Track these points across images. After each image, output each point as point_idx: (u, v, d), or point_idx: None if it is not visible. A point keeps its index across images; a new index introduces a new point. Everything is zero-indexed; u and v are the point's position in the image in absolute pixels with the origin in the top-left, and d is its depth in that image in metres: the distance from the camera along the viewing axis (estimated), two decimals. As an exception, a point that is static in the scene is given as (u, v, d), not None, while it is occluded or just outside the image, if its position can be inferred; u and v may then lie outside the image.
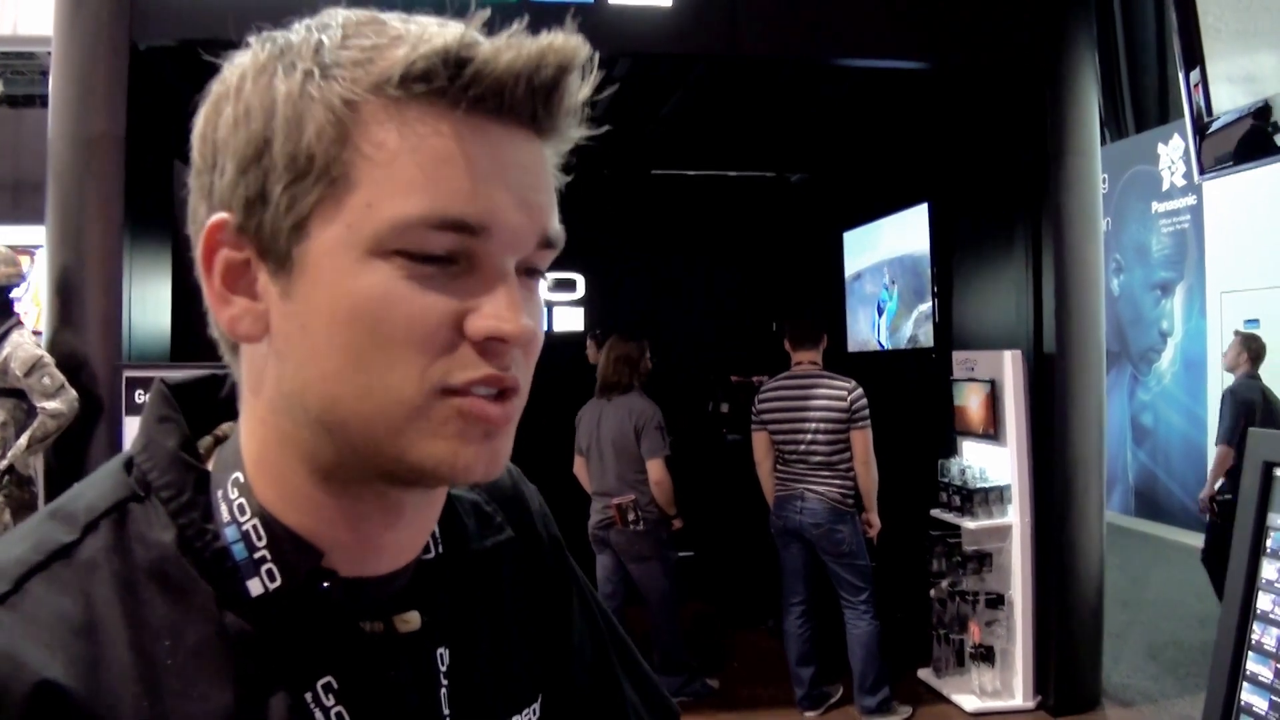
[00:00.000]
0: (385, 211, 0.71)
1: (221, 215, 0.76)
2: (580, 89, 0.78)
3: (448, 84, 0.72)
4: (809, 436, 5.97)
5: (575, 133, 0.81)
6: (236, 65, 0.77)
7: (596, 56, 0.77)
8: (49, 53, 5.58)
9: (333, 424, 0.75)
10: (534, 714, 0.96)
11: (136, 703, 0.70)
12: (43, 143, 5.42)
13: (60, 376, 4.96)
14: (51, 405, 4.90)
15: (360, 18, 0.75)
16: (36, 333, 5.28)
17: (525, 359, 0.79)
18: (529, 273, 0.79)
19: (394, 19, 0.75)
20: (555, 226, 0.80)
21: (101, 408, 5.15)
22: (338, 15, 0.75)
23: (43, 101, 6.62)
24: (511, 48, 0.72)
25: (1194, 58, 4.16)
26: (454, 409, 0.73)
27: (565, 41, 0.74)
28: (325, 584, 0.78)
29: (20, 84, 10.11)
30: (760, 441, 6.19)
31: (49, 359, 4.98)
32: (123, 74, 5.24)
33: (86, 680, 0.69)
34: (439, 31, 0.73)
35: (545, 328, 7.74)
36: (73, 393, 4.97)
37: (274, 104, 0.73)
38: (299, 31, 0.76)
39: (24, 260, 5.48)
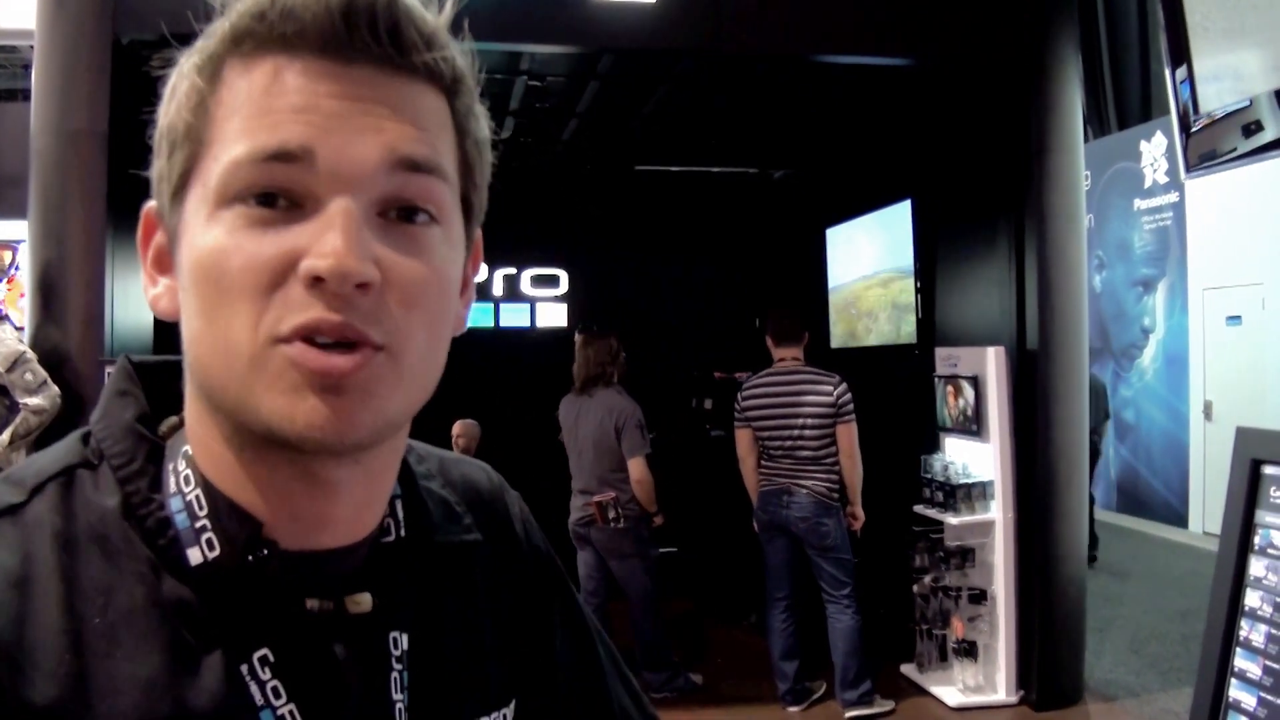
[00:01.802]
0: (222, 159, 0.72)
1: (151, 202, 0.81)
2: (425, 14, 0.76)
3: (257, 24, 0.72)
4: (796, 432, 6.01)
5: (443, 54, 0.77)
6: None
7: None
8: (31, 46, 5.54)
9: (205, 387, 0.76)
10: (505, 718, 0.95)
11: (59, 656, 0.71)
12: (25, 137, 5.38)
13: (43, 372, 4.93)
14: (34, 401, 4.88)
15: None
16: (19, 328, 5.25)
17: (399, 312, 0.74)
18: (405, 214, 0.76)
19: None
20: (415, 148, 0.75)
21: (84, 403, 5.12)
22: None
23: (25, 95, 6.56)
24: None
25: (1180, 55, 4.16)
26: (285, 359, 0.71)
27: None
28: (264, 552, 0.78)
29: (2, 78, 10.03)
30: (744, 438, 6.21)
31: (31, 354, 4.95)
32: (106, 68, 5.23)
33: (13, 629, 0.71)
34: None
35: (531, 323, 7.63)
36: (55, 389, 4.95)
37: (168, 87, 0.78)
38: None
39: (4, 255, 5.44)
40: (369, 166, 0.73)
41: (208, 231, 0.72)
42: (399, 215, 0.75)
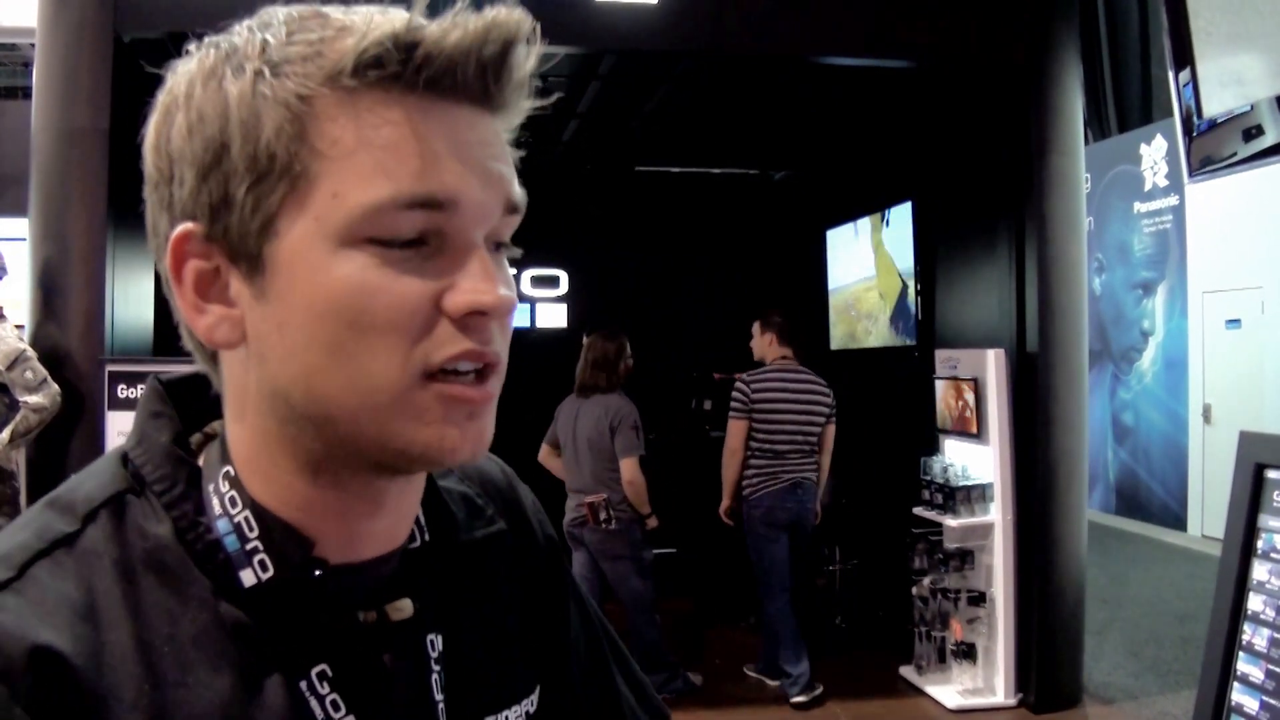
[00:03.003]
0: (352, 199, 0.72)
1: (187, 225, 0.76)
2: (526, 62, 0.79)
3: (400, 69, 0.72)
4: (805, 427, 6.26)
5: (525, 104, 0.81)
6: (181, 73, 0.77)
7: (538, 28, 0.78)
8: (32, 44, 5.55)
9: (319, 418, 0.75)
10: (531, 706, 0.97)
11: (138, 685, 0.71)
12: (26, 135, 5.39)
13: (43, 370, 4.94)
14: (34, 399, 4.88)
15: (301, 12, 0.75)
16: (19, 326, 5.25)
17: (502, 332, 0.79)
18: (495, 245, 0.80)
19: (335, 11, 0.75)
20: (517, 191, 0.80)
21: (84, 402, 5.13)
22: (278, 13, 0.76)
23: (25, 93, 6.58)
24: (457, 27, 0.73)
25: (1184, 59, 4.17)
26: (437, 393, 0.75)
27: (509, 16, 0.75)
28: (318, 572, 0.79)
29: (3, 75, 10.05)
30: (743, 430, 6.28)
31: (31, 353, 4.95)
32: (107, 66, 5.22)
33: (91, 660, 0.70)
34: (385, 18, 0.73)
35: (531, 323, 7.65)
36: (55, 387, 4.95)
37: (227, 107, 0.73)
38: (241, 33, 0.76)
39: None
40: (495, 212, 0.78)
41: (334, 268, 0.73)
42: (493, 246, 0.80)
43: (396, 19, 0.72)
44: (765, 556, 6.30)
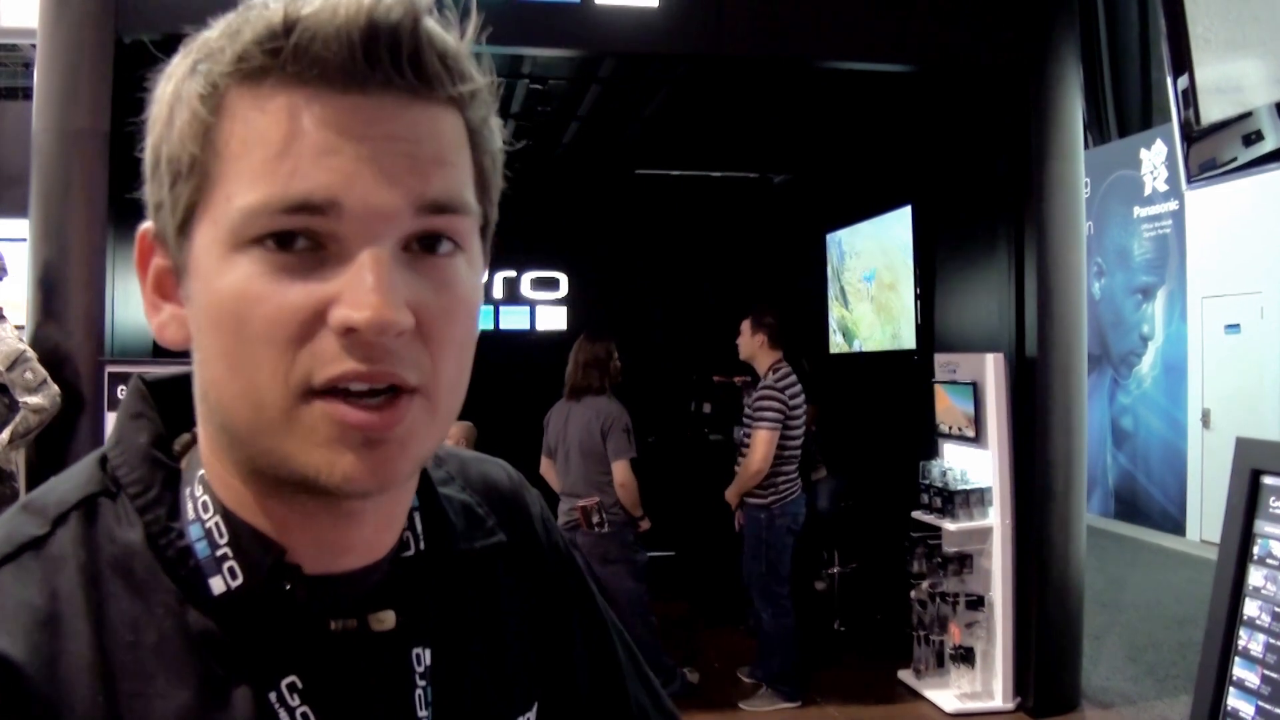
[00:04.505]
0: (237, 201, 0.68)
1: (146, 225, 0.77)
2: (447, 39, 0.72)
3: (271, 60, 0.68)
4: (803, 430, 6.34)
5: (466, 87, 0.74)
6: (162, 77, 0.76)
7: (471, 2, 0.74)
8: (33, 45, 5.55)
9: (229, 431, 0.74)
10: None
11: (92, 695, 0.69)
12: (26, 135, 5.39)
13: (43, 371, 4.94)
14: (34, 400, 4.88)
15: (248, 5, 0.71)
16: (19, 327, 5.25)
17: (431, 350, 0.72)
18: (428, 245, 0.73)
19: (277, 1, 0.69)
20: (441, 188, 0.72)
21: (84, 403, 5.13)
22: (241, 7, 0.71)
23: (26, 94, 6.58)
24: (336, 10, 0.67)
25: (1182, 66, 4.16)
26: (321, 414, 0.69)
27: None
28: (288, 586, 0.77)
29: (3, 76, 10.04)
30: (775, 442, 6.17)
31: (31, 353, 4.95)
32: (108, 67, 5.22)
33: (44, 669, 0.69)
34: (276, 8, 0.68)
35: (530, 326, 7.58)
36: (55, 388, 4.95)
37: (160, 108, 0.73)
38: (205, 32, 0.73)
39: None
40: (400, 214, 0.70)
41: (224, 274, 0.69)
42: (422, 246, 0.72)
43: (277, 7, 0.68)
44: (782, 564, 6.30)
